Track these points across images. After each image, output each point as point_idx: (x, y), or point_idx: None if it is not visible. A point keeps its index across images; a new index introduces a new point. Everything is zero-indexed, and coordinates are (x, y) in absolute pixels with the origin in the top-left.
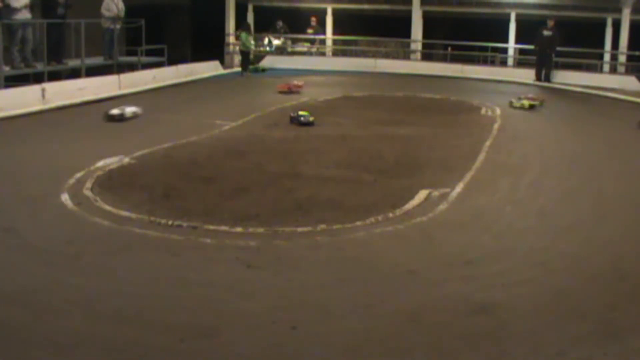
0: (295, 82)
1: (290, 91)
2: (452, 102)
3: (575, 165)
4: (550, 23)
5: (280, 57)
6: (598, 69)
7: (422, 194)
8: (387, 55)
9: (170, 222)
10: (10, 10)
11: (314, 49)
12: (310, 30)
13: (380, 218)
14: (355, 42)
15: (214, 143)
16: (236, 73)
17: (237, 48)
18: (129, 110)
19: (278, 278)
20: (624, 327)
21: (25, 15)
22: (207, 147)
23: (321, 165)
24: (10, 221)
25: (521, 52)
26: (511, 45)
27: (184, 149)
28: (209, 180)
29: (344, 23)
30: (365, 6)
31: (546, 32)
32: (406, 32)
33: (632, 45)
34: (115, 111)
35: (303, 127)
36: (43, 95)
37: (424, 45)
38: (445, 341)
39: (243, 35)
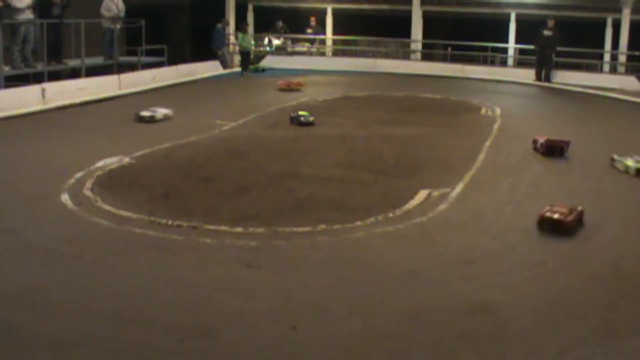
0: (296, 81)
1: (289, 88)
2: (452, 102)
3: (575, 165)
4: (551, 23)
5: (280, 57)
6: (598, 69)
7: (422, 194)
8: (387, 55)
9: (170, 222)
10: (12, 10)
11: (314, 49)
12: (310, 30)
13: (380, 218)
14: (355, 42)
15: (214, 143)
16: (236, 73)
17: (237, 48)
18: (160, 112)
19: (278, 278)
20: (624, 327)
21: (28, 15)
22: (207, 147)
23: (321, 165)
24: (10, 221)
25: (521, 52)
26: (511, 45)
27: (184, 149)
28: (209, 180)
29: (344, 23)
30: (365, 6)
31: (546, 32)
32: (406, 32)
33: (632, 45)
34: (146, 113)
35: (303, 127)
36: (43, 95)
37: (424, 45)
38: (445, 341)
39: (240, 35)
